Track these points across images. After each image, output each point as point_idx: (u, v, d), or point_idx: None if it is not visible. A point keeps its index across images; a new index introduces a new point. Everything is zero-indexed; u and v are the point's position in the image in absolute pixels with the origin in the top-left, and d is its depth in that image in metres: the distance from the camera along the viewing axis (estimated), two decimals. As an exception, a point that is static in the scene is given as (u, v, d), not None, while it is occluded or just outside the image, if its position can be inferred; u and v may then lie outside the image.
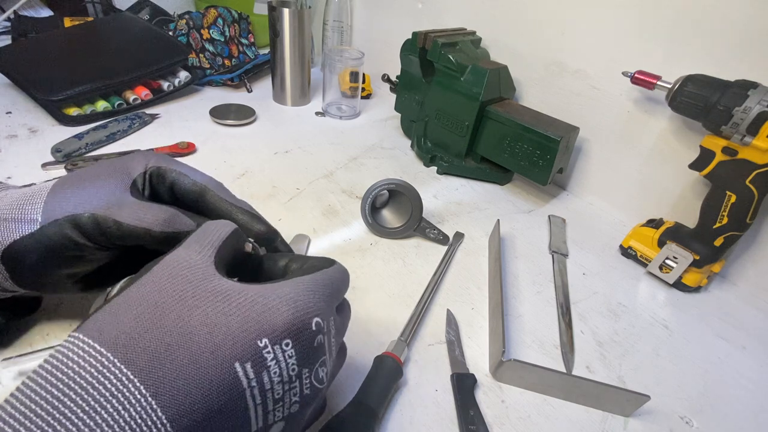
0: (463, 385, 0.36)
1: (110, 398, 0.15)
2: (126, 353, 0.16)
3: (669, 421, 0.36)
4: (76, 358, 0.15)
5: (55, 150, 0.56)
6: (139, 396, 0.15)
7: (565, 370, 0.39)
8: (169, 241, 0.26)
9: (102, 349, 0.16)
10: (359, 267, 0.47)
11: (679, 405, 0.38)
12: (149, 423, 0.15)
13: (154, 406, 0.15)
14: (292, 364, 0.19)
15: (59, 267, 0.27)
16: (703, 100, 0.45)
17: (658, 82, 0.49)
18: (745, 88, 0.42)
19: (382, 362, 0.35)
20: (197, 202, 0.30)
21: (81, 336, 0.16)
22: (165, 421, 0.15)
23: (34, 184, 0.29)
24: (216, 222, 0.24)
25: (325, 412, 0.30)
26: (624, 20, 0.55)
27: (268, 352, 0.18)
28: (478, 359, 0.39)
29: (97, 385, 0.15)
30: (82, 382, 0.15)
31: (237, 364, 0.17)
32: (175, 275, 0.19)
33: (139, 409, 0.15)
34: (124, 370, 0.15)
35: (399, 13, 0.87)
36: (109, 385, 0.15)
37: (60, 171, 0.54)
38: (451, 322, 0.42)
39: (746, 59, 0.46)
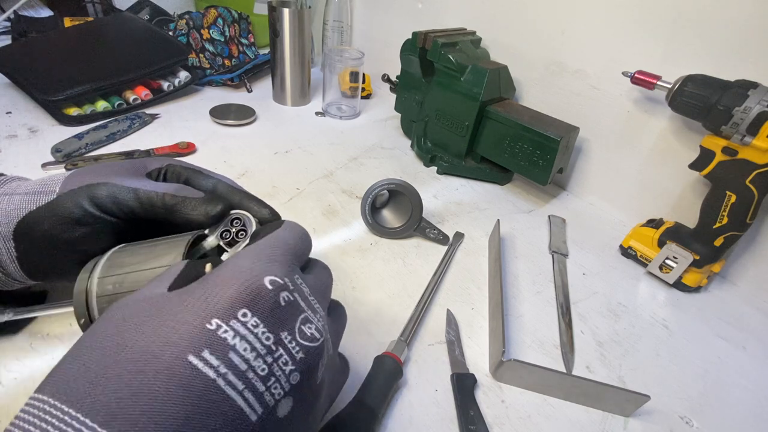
0: (463, 385, 0.36)
1: None
2: (66, 392, 0.15)
3: (669, 421, 0.36)
4: (27, 416, 0.14)
5: (55, 150, 0.56)
6: (87, 430, 0.14)
7: (565, 370, 0.39)
8: (179, 210, 0.27)
9: (47, 399, 0.15)
10: (359, 267, 0.47)
11: (679, 405, 0.38)
12: None
13: None
14: (263, 332, 0.18)
15: (67, 243, 0.28)
16: (703, 100, 0.45)
17: (658, 82, 0.49)
18: (745, 88, 0.42)
19: (382, 362, 0.35)
20: (210, 193, 0.31)
21: (34, 393, 0.15)
22: None
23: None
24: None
25: (349, 373, 0.30)
26: (624, 20, 0.55)
27: (225, 332, 0.17)
28: (478, 359, 0.39)
29: (52, 430, 0.14)
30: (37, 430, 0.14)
31: (191, 357, 0.16)
32: (123, 302, 0.18)
33: None
34: (66, 409, 0.14)
35: (399, 13, 0.87)
36: (58, 429, 0.14)
37: (60, 171, 0.54)
38: (451, 322, 0.42)
39: (746, 59, 0.46)
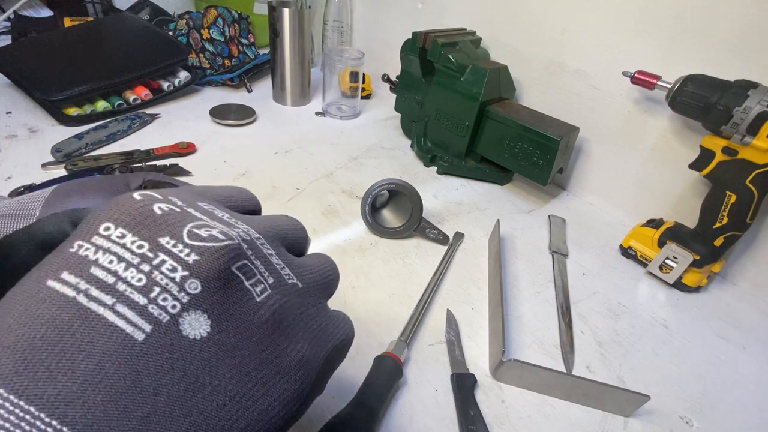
0: (463, 385, 0.36)
1: None
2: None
3: (669, 421, 0.36)
4: None
5: (55, 150, 0.56)
6: None
7: (565, 370, 0.39)
8: None
9: None
10: (359, 267, 0.47)
11: (679, 405, 0.38)
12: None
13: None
14: (133, 240, 0.15)
15: None
16: (703, 100, 0.45)
17: (658, 82, 0.49)
18: (745, 88, 0.42)
19: (382, 362, 0.35)
20: None
21: None
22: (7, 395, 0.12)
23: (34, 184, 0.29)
24: None
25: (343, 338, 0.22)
26: (624, 20, 0.55)
27: (86, 249, 0.15)
28: (478, 359, 0.39)
29: None
30: None
31: (49, 281, 0.14)
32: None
33: None
34: None
35: (399, 13, 0.87)
36: None
37: (60, 171, 0.55)
38: (451, 322, 0.42)
39: (746, 59, 0.46)
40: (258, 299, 0.17)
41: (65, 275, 0.14)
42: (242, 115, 0.73)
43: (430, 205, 0.59)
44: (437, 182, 0.65)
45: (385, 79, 0.80)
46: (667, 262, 0.50)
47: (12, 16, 0.87)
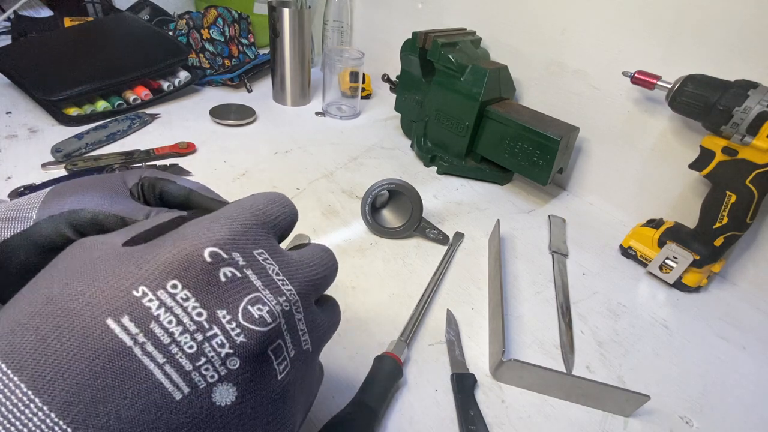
0: (463, 385, 0.36)
1: None
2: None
3: (669, 421, 0.36)
4: None
5: (55, 150, 0.56)
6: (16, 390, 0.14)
7: (565, 370, 0.39)
8: None
9: None
10: (359, 267, 0.47)
11: (679, 405, 0.38)
12: (13, 398, 0.13)
13: (16, 380, 0.14)
14: (194, 307, 0.16)
15: None
16: (703, 100, 0.45)
17: (658, 82, 0.49)
18: (745, 88, 0.42)
19: (382, 362, 0.35)
20: (184, 205, 0.30)
21: None
22: (32, 396, 0.14)
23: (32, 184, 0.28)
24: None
25: (321, 381, 0.26)
26: (624, 20, 0.55)
27: (150, 300, 0.16)
28: (478, 359, 0.39)
29: None
30: None
31: (110, 321, 0.15)
32: (74, 250, 0.17)
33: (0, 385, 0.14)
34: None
35: (399, 13, 0.87)
36: None
37: (60, 171, 0.55)
38: (451, 322, 0.42)
39: (746, 59, 0.46)
40: (279, 377, 0.19)
41: (126, 321, 0.15)
42: (242, 115, 0.73)
43: (430, 205, 0.59)
44: (437, 182, 0.65)
45: (385, 79, 0.80)
46: (667, 262, 0.50)
47: (12, 16, 0.87)
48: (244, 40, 0.94)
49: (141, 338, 0.15)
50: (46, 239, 0.25)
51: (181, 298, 0.16)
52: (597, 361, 0.41)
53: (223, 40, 0.89)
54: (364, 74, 0.82)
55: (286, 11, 0.72)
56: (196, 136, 0.66)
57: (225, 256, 0.18)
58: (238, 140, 0.68)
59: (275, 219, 0.21)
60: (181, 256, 0.17)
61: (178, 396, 0.16)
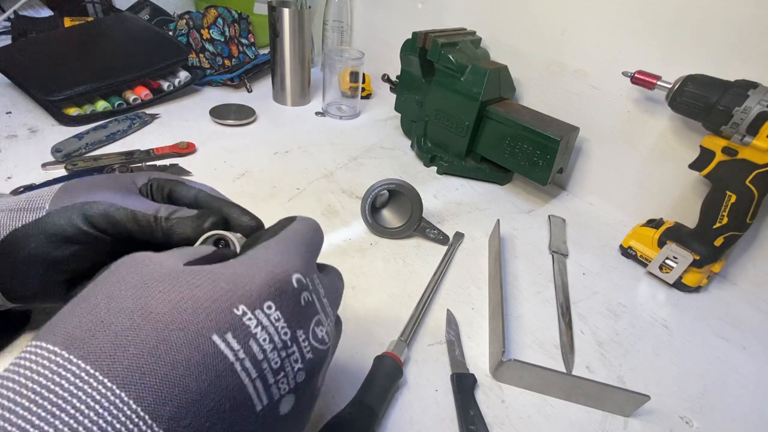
0: (463, 385, 0.36)
1: (71, 397, 0.13)
2: (83, 347, 0.14)
3: (669, 421, 0.36)
4: (29, 364, 0.14)
5: (55, 150, 0.56)
6: (104, 390, 0.14)
7: (565, 370, 0.39)
8: (174, 231, 0.27)
9: (56, 349, 0.14)
10: (359, 267, 0.47)
11: (679, 405, 0.38)
12: (121, 417, 0.14)
13: (124, 398, 0.14)
14: (282, 327, 0.18)
15: (54, 262, 0.27)
16: (703, 100, 0.45)
17: (658, 82, 0.49)
18: (745, 88, 0.42)
19: (382, 362, 0.35)
20: (192, 205, 0.31)
21: (35, 342, 0.15)
22: (141, 413, 0.14)
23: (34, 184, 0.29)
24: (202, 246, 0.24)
25: (315, 407, 0.27)
26: (624, 20, 0.55)
27: (250, 319, 0.17)
28: (478, 359, 0.39)
29: (53, 386, 0.14)
30: (35, 386, 0.13)
31: (215, 337, 0.16)
32: (136, 265, 0.18)
33: (106, 403, 0.14)
34: (83, 365, 0.14)
35: (399, 13, 0.87)
36: (67, 384, 0.14)
37: (60, 171, 0.54)
38: (451, 322, 0.42)
39: (746, 59, 0.46)
40: (318, 385, 0.21)
41: (230, 338, 0.16)
42: (242, 115, 0.73)
43: (430, 205, 0.59)
44: (437, 182, 0.65)
45: (385, 79, 0.80)
46: (667, 262, 0.50)
47: (12, 16, 0.87)
48: (244, 40, 0.94)
49: (241, 354, 0.16)
50: (58, 228, 0.26)
51: (274, 319, 0.18)
52: (597, 361, 0.41)
53: (223, 40, 0.89)
54: (364, 74, 0.82)
55: (286, 11, 0.72)
56: (196, 136, 0.66)
57: (305, 282, 0.20)
58: (238, 140, 0.68)
59: (317, 247, 0.24)
60: (275, 280, 0.18)
61: (259, 406, 0.17)
